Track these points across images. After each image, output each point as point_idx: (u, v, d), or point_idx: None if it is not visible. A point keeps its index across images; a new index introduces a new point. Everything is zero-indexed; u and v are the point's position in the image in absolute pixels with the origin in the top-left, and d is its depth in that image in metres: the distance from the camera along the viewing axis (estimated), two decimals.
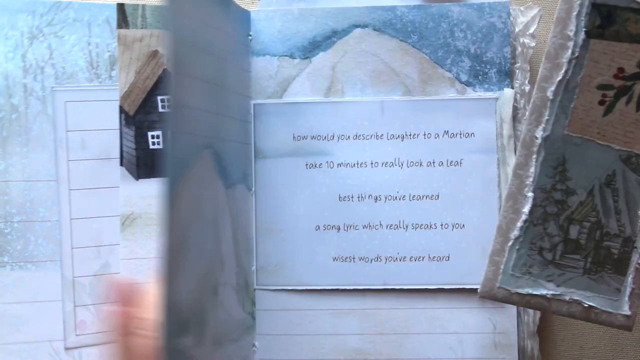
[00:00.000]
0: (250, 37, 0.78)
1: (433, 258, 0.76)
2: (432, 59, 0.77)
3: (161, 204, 0.54)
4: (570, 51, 0.61)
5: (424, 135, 0.76)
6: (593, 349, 0.79)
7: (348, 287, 0.76)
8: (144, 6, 0.76)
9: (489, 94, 0.76)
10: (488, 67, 0.76)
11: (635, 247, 0.62)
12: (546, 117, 0.62)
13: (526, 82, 0.76)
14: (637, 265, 0.62)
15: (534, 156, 0.62)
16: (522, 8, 0.77)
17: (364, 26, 0.77)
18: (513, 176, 0.63)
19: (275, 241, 0.77)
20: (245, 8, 0.79)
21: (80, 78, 0.75)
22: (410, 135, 0.76)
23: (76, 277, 0.75)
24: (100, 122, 0.76)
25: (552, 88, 0.61)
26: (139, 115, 0.76)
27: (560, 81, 0.61)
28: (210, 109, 0.66)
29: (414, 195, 0.76)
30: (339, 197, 0.77)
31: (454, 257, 0.75)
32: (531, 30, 0.77)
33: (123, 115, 0.76)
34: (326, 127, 0.77)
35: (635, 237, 0.62)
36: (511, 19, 0.76)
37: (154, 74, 0.76)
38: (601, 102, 0.61)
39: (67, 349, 0.75)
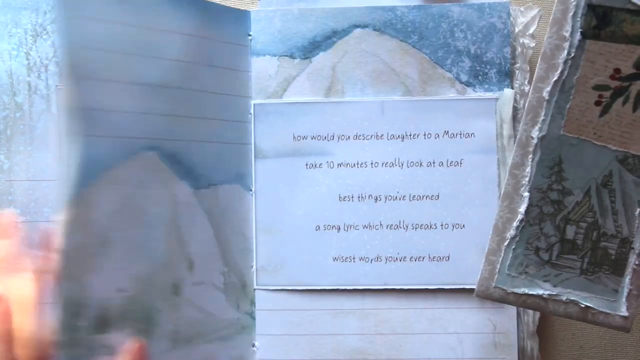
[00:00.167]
0: (250, 37, 0.78)
1: (433, 258, 0.75)
2: (432, 59, 0.76)
3: (62, 204, 0.61)
4: (566, 52, 0.61)
5: (424, 135, 0.76)
6: (593, 349, 0.79)
7: (348, 287, 0.76)
8: None
9: (489, 94, 0.75)
10: (488, 67, 0.76)
11: (633, 248, 0.61)
12: (542, 117, 0.61)
13: (526, 82, 0.76)
14: (635, 266, 0.61)
15: (530, 156, 0.62)
16: (522, 8, 0.77)
17: (364, 26, 0.77)
18: (509, 176, 0.62)
19: (275, 241, 0.76)
20: (245, 8, 0.80)
21: None
22: (410, 135, 0.76)
23: None
24: None
25: (548, 88, 0.61)
26: None
27: (556, 81, 0.61)
28: (156, 111, 0.70)
29: (414, 196, 0.76)
30: (339, 197, 0.76)
31: (454, 257, 0.75)
32: (531, 31, 0.76)
33: None
34: (326, 127, 0.76)
35: (632, 238, 0.61)
36: (511, 19, 0.76)
37: None
38: (597, 103, 0.61)
39: None
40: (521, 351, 0.75)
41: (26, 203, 0.72)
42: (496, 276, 0.63)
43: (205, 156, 0.74)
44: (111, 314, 0.65)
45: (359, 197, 0.76)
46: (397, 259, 0.75)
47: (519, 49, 0.76)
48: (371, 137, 0.76)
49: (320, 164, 0.76)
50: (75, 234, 0.63)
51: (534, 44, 0.76)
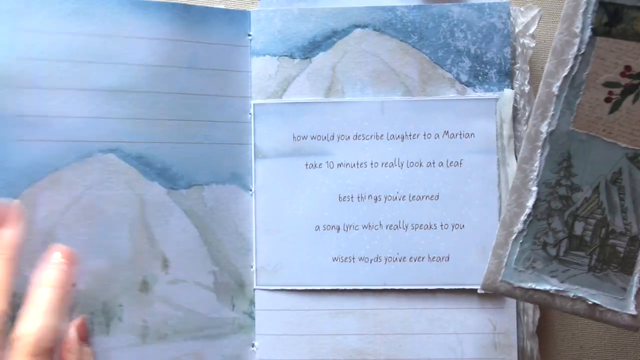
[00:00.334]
0: (250, 37, 0.77)
1: (433, 258, 0.74)
2: (432, 59, 0.76)
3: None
4: (576, 48, 0.60)
5: (424, 135, 0.75)
6: (593, 349, 0.78)
7: (348, 287, 0.75)
8: None
9: (489, 95, 0.75)
10: (488, 67, 0.75)
11: None
12: (551, 112, 0.61)
13: (526, 82, 0.75)
14: None
15: (539, 151, 0.61)
16: (522, 8, 0.76)
17: (364, 26, 0.76)
18: (518, 170, 0.61)
19: (274, 241, 0.75)
20: (245, 8, 0.79)
21: None
22: (410, 135, 0.75)
23: None
24: None
25: (558, 84, 0.60)
26: None
27: (565, 77, 0.60)
28: (114, 115, 0.72)
29: (414, 196, 0.75)
30: (339, 197, 0.75)
31: (454, 257, 0.74)
32: (531, 31, 0.76)
33: None
34: (326, 127, 0.76)
35: None
36: (511, 19, 0.75)
37: None
38: (607, 100, 0.60)
39: None
40: (521, 351, 0.74)
41: None
42: (503, 270, 0.62)
43: (186, 157, 0.75)
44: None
45: (358, 197, 0.75)
46: (396, 259, 0.74)
47: (519, 49, 0.75)
48: (371, 137, 0.75)
49: (320, 164, 0.75)
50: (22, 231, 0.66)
51: (534, 44, 0.75)
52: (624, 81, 0.59)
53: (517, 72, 0.75)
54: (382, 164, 0.75)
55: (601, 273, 0.61)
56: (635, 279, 0.60)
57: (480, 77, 0.75)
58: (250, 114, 0.76)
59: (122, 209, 0.72)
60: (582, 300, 0.61)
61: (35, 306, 0.62)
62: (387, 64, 0.76)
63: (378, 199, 0.75)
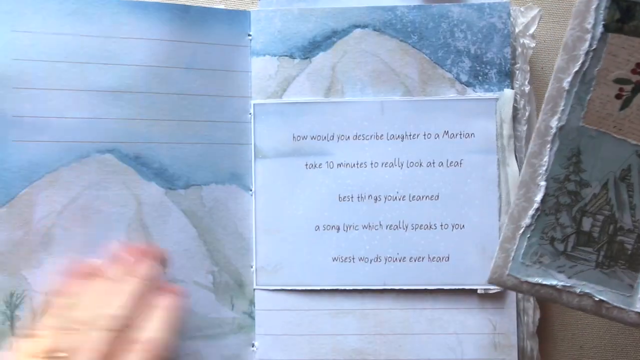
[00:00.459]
0: (250, 37, 0.76)
1: (433, 258, 0.73)
2: (432, 59, 0.75)
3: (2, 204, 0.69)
4: (587, 43, 0.59)
5: (424, 135, 0.74)
6: (593, 349, 0.77)
7: (347, 288, 0.74)
8: None
9: (489, 95, 0.74)
10: (488, 67, 0.74)
11: None
12: (561, 108, 0.59)
13: (526, 82, 0.74)
14: None
15: (548, 145, 0.60)
16: (522, 9, 0.75)
17: (364, 26, 0.75)
18: (526, 164, 0.60)
19: (274, 241, 0.75)
20: (245, 8, 0.78)
21: None
22: (410, 135, 0.74)
23: None
24: None
25: (569, 79, 0.59)
26: None
27: (576, 72, 0.59)
28: (112, 115, 0.72)
29: (414, 196, 0.74)
30: (339, 197, 0.75)
31: (454, 257, 0.73)
32: (531, 31, 0.75)
33: None
34: (326, 127, 0.75)
35: None
36: (511, 19, 0.74)
37: None
38: (618, 96, 0.59)
39: None
40: (521, 352, 0.73)
41: None
42: (510, 264, 0.61)
43: (184, 157, 0.74)
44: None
45: (358, 197, 0.74)
46: (396, 259, 0.74)
47: (519, 49, 0.75)
48: (371, 137, 0.75)
49: (320, 164, 0.75)
50: (14, 231, 0.69)
51: (534, 44, 0.75)
52: (635, 78, 0.58)
53: (517, 72, 0.74)
54: (382, 164, 0.74)
55: (608, 270, 0.59)
56: None
57: (480, 77, 0.74)
58: (250, 114, 0.76)
59: (119, 209, 0.72)
60: (589, 296, 0.60)
61: (158, 315, 0.65)
62: (387, 64, 0.75)
63: (378, 199, 0.74)
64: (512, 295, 0.73)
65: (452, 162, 0.74)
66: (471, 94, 0.74)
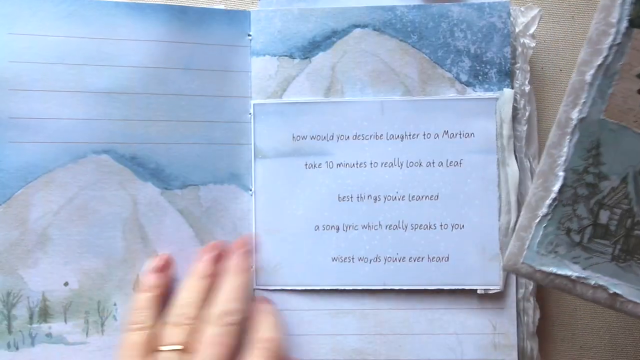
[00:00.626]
0: (250, 37, 0.75)
1: (432, 258, 0.73)
2: (432, 59, 0.74)
3: None
4: (612, 38, 0.57)
5: (424, 135, 0.73)
6: (593, 349, 0.76)
7: (347, 288, 0.73)
8: None
9: (489, 94, 0.73)
10: (488, 67, 0.73)
11: None
12: (583, 100, 0.58)
13: (526, 82, 0.73)
14: None
15: (568, 137, 0.59)
16: (522, 8, 0.74)
17: (364, 26, 0.74)
18: (545, 154, 0.59)
19: (274, 241, 0.74)
20: (245, 8, 0.78)
21: None
22: (410, 135, 0.73)
23: None
24: None
25: (592, 72, 0.58)
26: None
27: (599, 65, 0.58)
28: (108, 116, 0.72)
29: (414, 196, 0.73)
30: (339, 197, 0.74)
31: (454, 257, 0.73)
32: (531, 31, 0.74)
33: None
34: (326, 127, 0.74)
35: None
36: (511, 19, 0.73)
37: None
38: None
39: None
40: (521, 352, 0.73)
41: None
42: (525, 252, 0.60)
43: (182, 157, 0.74)
44: (54, 305, 0.70)
45: (358, 197, 0.74)
46: (396, 259, 0.73)
47: (519, 49, 0.74)
48: (371, 137, 0.74)
49: (320, 164, 0.74)
50: (10, 231, 0.69)
51: (534, 44, 0.74)
52: None
53: (518, 71, 0.73)
54: (382, 164, 0.73)
55: (624, 263, 0.58)
56: None
57: (480, 77, 0.73)
58: (250, 114, 0.75)
59: (115, 209, 0.72)
60: (603, 289, 0.59)
61: (267, 315, 0.70)
62: (387, 63, 0.74)
63: (378, 199, 0.73)
64: (512, 296, 0.72)
65: (451, 162, 0.73)
66: (471, 93, 0.73)
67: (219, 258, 0.71)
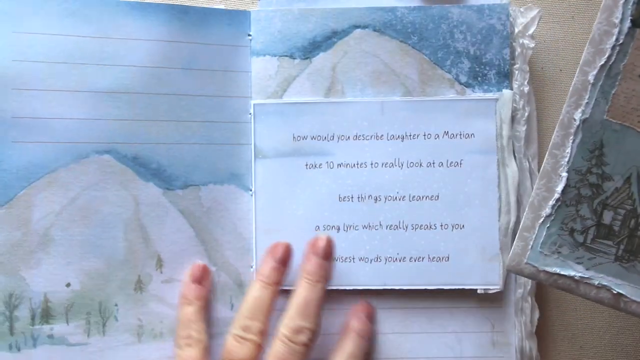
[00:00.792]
0: (250, 37, 0.75)
1: (433, 258, 0.72)
2: (432, 60, 0.73)
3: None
4: (614, 38, 0.57)
5: (424, 135, 0.73)
6: (593, 349, 0.76)
7: (347, 288, 0.72)
8: None
9: (489, 95, 0.72)
10: (487, 68, 0.73)
11: None
12: (586, 101, 0.58)
13: (525, 82, 0.73)
14: None
15: (571, 137, 0.58)
16: (521, 9, 0.74)
17: (365, 27, 0.74)
18: (548, 155, 0.59)
19: (274, 241, 0.72)
20: (245, 8, 0.77)
21: None
22: (410, 135, 0.73)
23: None
24: None
25: (594, 72, 0.57)
26: None
27: (602, 66, 0.57)
28: (110, 116, 0.71)
29: (414, 196, 0.72)
30: (339, 198, 0.73)
31: (454, 257, 0.72)
32: (531, 31, 0.73)
33: None
34: (326, 128, 0.73)
35: None
36: (511, 19, 0.73)
37: None
38: None
39: None
40: (520, 351, 0.72)
41: None
42: (528, 253, 0.59)
43: (182, 157, 0.73)
44: (56, 306, 0.69)
45: (358, 197, 0.73)
46: (396, 259, 0.72)
47: (519, 50, 0.73)
48: (371, 137, 0.73)
49: (320, 164, 0.73)
50: (13, 232, 0.68)
51: (533, 45, 0.73)
52: None
53: (517, 72, 0.73)
54: (382, 164, 0.73)
55: (628, 263, 0.58)
56: None
57: (479, 78, 0.73)
58: (250, 114, 0.74)
59: (117, 209, 0.71)
60: (607, 289, 0.58)
61: (353, 347, 0.68)
62: (387, 64, 0.74)
63: (378, 199, 0.73)
64: (510, 295, 0.72)
65: (452, 162, 0.72)
66: (470, 94, 0.73)
67: (284, 262, 0.69)
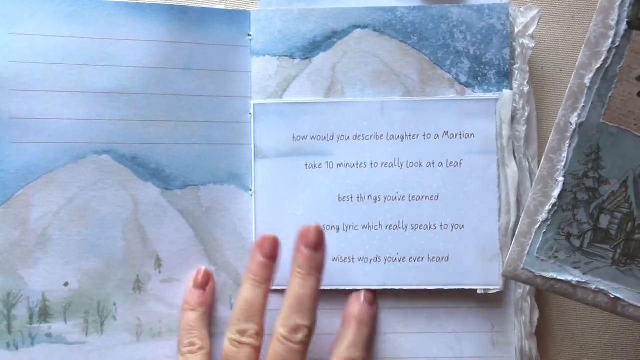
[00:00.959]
0: (250, 37, 0.74)
1: (432, 259, 0.71)
2: (432, 60, 0.72)
3: None
4: (610, 40, 0.56)
5: (424, 135, 0.72)
6: (593, 349, 0.75)
7: (347, 288, 0.71)
8: None
9: (489, 95, 0.71)
10: (487, 68, 0.72)
11: None
12: (582, 104, 0.57)
13: (525, 82, 0.72)
14: None
15: (567, 141, 0.57)
16: (521, 9, 0.73)
17: (364, 27, 0.73)
18: (544, 159, 0.58)
19: None
20: (245, 8, 0.76)
21: None
22: (410, 135, 0.72)
23: None
24: None
25: (590, 75, 0.57)
26: None
27: (598, 69, 0.57)
28: (108, 117, 0.70)
29: (414, 196, 0.72)
30: (339, 197, 0.72)
31: (454, 257, 0.71)
32: (531, 31, 0.72)
33: None
34: (326, 127, 0.73)
35: None
36: (510, 19, 0.72)
37: None
38: None
39: None
40: (520, 351, 0.71)
41: None
42: (525, 258, 0.59)
43: (182, 157, 0.72)
44: (54, 305, 0.68)
45: (358, 197, 0.72)
46: (396, 259, 0.71)
47: (519, 50, 0.72)
48: (371, 137, 0.72)
49: (320, 164, 0.72)
50: (11, 231, 0.68)
51: (533, 44, 0.72)
52: None
53: (517, 72, 0.72)
54: (382, 164, 0.72)
55: (625, 267, 0.57)
56: None
57: (479, 78, 0.72)
58: (250, 114, 0.73)
59: (115, 209, 0.71)
60: (604, 293, 0.58)
61: (353, 335, 0.67)
62: (387, 64, 0.73)
63: (378, 199, 0.72)
64: (510, 295, 0.71)
65: (452, 162, 0.71)
66: (470, 94, 0.72)
67: (273, 257, 0.68)
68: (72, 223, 0.69)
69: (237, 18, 0.73)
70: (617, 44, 0.56)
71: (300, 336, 0.63)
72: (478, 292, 0.70)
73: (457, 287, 0.70)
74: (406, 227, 0.71)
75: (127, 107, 0.70)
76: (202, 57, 0.72)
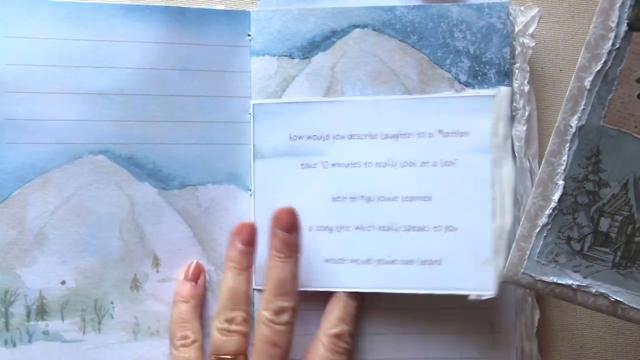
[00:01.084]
0: (249, 37, 0.74)
1: (424, 262, 0.69)
2: (432, 59, 0.72)
3: None
4: (610, 42, 0.56)
5: (418, 134, 0.71)
6: (593, 349, 0.75)
7: (337, 290, 0.71)
8: None
9: (485, 91, 0.70)
10: (487, 67, 0.71)
11: None
12: (582, 107, 0.58)
13: (526, 82, 0.71)
14: None
15: (567, 145, 0.58)
16: (521, 8, 0.72)
17: (364, 26, 0.72)
18: (544, 163, 0.59)
19: None
20: (245, 8, 0.76)
21: None
22: (404, 134, 0.71)
23: None
24: None
25: (590, 78, 0.57)
26: None
27: (598, 71, 0.57)
28: (105, 117, 0.70)
29: (407, 197, 0.70)
30: (332, 198, 0.71)
31: (446, 261, 0.69)
32: (531, 30, 0.71)
33: None
34: (321, 127, 0.72)
35: None
36: (511, 18, 0.71)
37: None
38: None
39: None
40: (520, 351, 0.71)
41: None
42: (525, 262, 0.60)
43: (180, 158, 0.72)
44: (51, 303, 0.69)
45: (351, 197, 0.71)
46: (387, 261, 0.70)
47: (519, 49, 0.71)
48: (365, 136, 0.71)
49: (315, 164, 0.72)
50: (7, 231, 0.68)
51: (533, 44, 0.71)
52: None
53: (517, 71, 0.71)
54: (376, 164, 0.71)
55: (625, 270, 0.58)
56: None
57: (479, 77, 0.71)
58: (249, 114, 0.73)
59: (112, 208, 0.71)
60: (605, 296, 0.58)
61: (340, 310, 0.69)
62: (387, 64, 0.72)
63: (371, 199, 0.71)
64: (510, 295, 0.70)
65: (445, 161, 0.70)
66: (468, 92, 0.71)
67: (252, 243, 0.68)
68: (68, 222, 0.69)
69: (237, 18, 0.73)
70: (617, 45, 0.55)
71: (285, 317, 0.64)
72: (471, 297, 0.67)
73: (449, 292, 0.69)
74: (399, 229, 0.70)
75: (124, 108, 0.70)
76: (202, 58, 0.72)
